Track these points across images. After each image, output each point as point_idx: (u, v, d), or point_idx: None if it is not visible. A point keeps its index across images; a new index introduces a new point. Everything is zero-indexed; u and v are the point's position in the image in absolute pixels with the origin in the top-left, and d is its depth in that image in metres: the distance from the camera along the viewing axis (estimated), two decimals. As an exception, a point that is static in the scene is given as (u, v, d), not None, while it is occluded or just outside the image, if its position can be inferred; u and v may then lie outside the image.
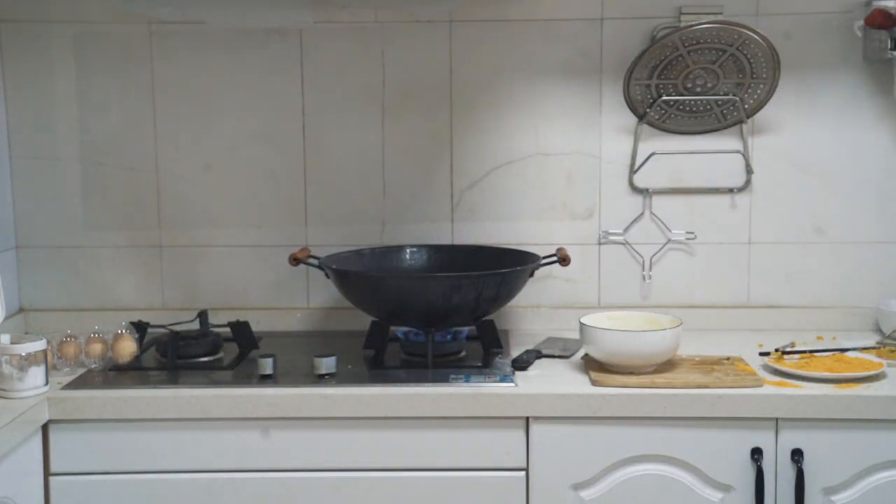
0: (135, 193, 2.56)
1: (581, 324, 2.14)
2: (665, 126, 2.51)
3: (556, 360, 2.26)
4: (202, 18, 2.50)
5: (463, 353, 2.30)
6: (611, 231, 2.55)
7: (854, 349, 2.22)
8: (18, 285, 2.57)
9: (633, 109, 2.50)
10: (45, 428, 2.03)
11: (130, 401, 2.04)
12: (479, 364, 2.21)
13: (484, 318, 2.29)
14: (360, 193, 2.57)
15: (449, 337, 2.28)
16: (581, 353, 2.25)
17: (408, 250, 2.50)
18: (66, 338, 2.24)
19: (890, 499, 2.02)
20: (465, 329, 2.31)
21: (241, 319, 2.34)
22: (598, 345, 2.10)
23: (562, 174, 2.55)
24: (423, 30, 2.51)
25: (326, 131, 2.55)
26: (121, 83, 2.53)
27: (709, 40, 2.40)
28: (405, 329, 2.29)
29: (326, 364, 2.11)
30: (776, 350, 2.21)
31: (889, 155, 2.51)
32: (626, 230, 2.55)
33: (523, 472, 2.04)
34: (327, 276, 2.30)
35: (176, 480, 2.05)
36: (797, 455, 2.00)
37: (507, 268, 2.23)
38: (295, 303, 2.58)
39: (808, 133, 2.51)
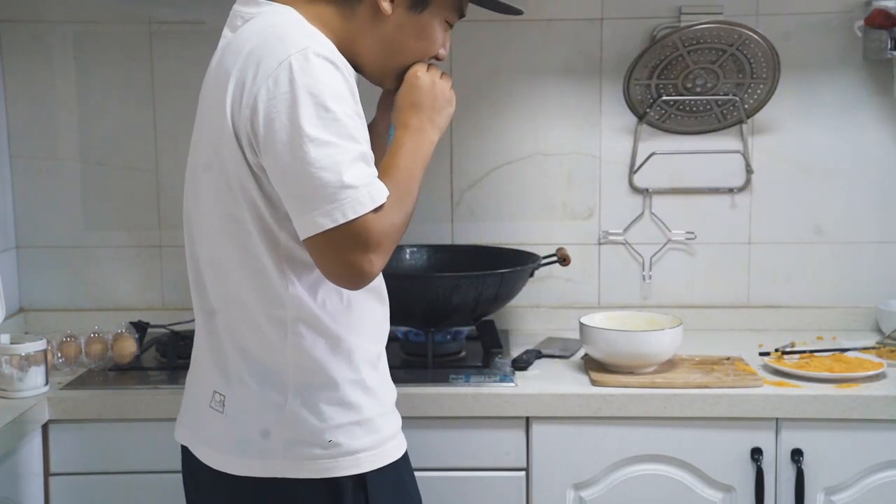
0: (135, 193, 2.56)
1: (581, 324, 2.14)
2: (665, 126, 2.51)
3: (556, 360, 2.26)
4: (202, 18, 2.50)
5: (463, 353, 2.30)
6: (611, 231, 2.55)
7: (854, 349, 2.22)
8: (18, 285, 2.57)
9: (633, 109, 2.50)
10: (45, 428, 2.03)
11: (130, 401, 2.04)
12: (479, 364, 2.20)
13: (484, 318, 2.29)
14: (360, 193, 2.56)
15: (449, 337, 2.28)
16: (581, 353, 2.25)
17: (408, 250, 2.50)
18: (66, 338, 2.24)
19: (890, 499, 2.02)
20: (465, 329, 2.31)
21: (241, 319, 2.33)
22: (598, 345, 2.10)
23: (562, 174, 2.55)
24: (423, 30, 2.51)
25: (326, 131, 2.54)
26: (121, 83, 2.53)
27: (709, 40, 2.40)
28: (405, 329, 2.29)
29: (326, 364, 2.11)
30: (776, 350, 2.21)
31: (889, 155, 2.51)
32: (626, 230, 2.55)
33: (523, 472, 2.04)
34: (327, 276, 2.30)
35: (176, 480, 2.04)
36: (797, 455, 2.00)
37: (507, 268, 2.23)
38: (295, 303, 2.58)
39: (808, 133, 2.51)
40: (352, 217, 1.37)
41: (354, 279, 1.42)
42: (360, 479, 1.52)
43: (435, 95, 1.59)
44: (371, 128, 1.60)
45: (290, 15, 1.50)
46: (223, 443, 1.54)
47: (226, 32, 1.56)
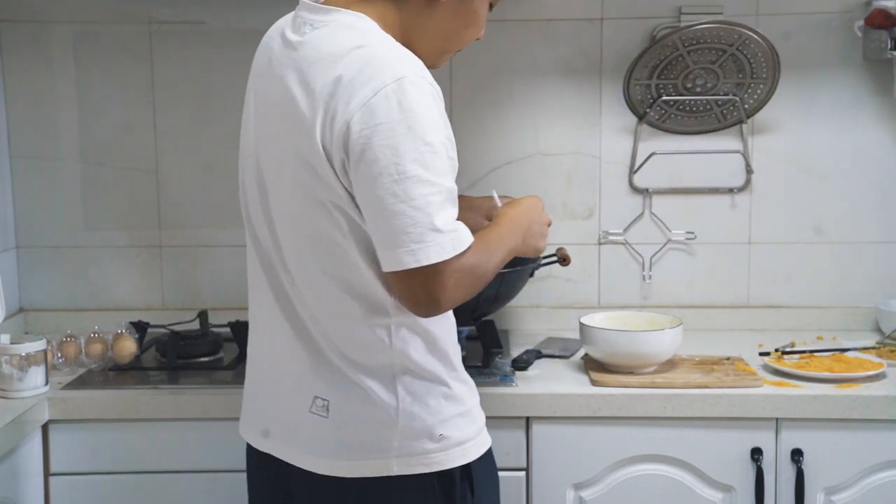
0: (135, 193, 2.56)
1: (581, 324, 2.14)
2: (665, 126, 2.51)
3: (556, 360, 2.26)
4: (202, 18, 2.50)
5: (463, 353, 2.29)
6: (611, 231, 2.55)
7: (854, 349, 2.22)
8: (18, 285, 2.57)
9: (633, 109, 2.50)
10: (45, 428, 2.03)
11: (130, 401, 2.04)
12: (479, 364, 2.20)
13: (484, 318, 2.29)
14: (360, 193, 2.56)
15: (449, 337, 2.28)
16: (581, 353, 2.25)
17: (408, 250, 2.49)
18: (66, 338, 2.24)
19: (890, 499, 2.02)
20: (465, 329, 2.31)
21: (241, 319, 2.33)
22: (598, 345, 2.10)
23: (562, 174, 2.55)
24: (423, 30, 2.51)
25: (326, 131, 2.54)
26: (120, 83, 2.53)
27: (709, 40, 2.39)
28: (405, 329, 2.29)
29: (326, 364, 2.11)
30: (776, 350, 2.22)
31: (889, 155, 2.51)
32: (626, 230, 2.55)
33: (523, 472, 2.04)
34: (327, 276, 2.30)
35: (176, 480, 2.05)
36: (797, 455, 2.00)
37: (507, 268, 2.22)
38: (295, 303, 2.58)
39: (808, 133, 2.51)
40: (435, 261, 1.42)
41: (425, 312, 1.49)
42: (467, 469, 1.56)
43: (544, 234, 1.72)
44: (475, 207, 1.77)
45: (367, 24, 1.49)
46: (329, 447, 1.53)
47: (289, 35, 1.54)
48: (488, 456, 1.61)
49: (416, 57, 1.48)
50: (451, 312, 1.60)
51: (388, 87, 1.40)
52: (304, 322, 1.55)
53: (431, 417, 1.53)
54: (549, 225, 1.75)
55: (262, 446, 1.63)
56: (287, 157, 1.49)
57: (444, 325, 1.57)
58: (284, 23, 1.59)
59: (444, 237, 1.42)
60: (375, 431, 1.52)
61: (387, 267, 1.44)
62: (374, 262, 1.48)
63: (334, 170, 1.44)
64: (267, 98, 1.55)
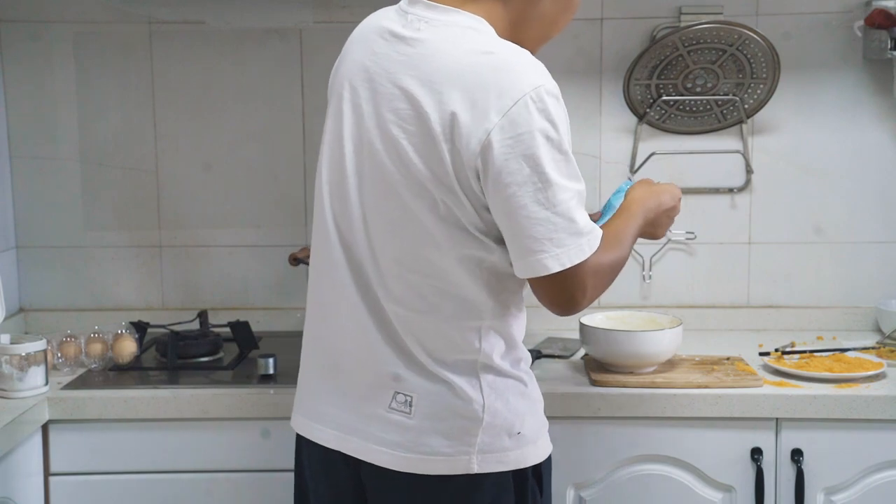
0: (135, 193, 2.56)
1: (581, 324, 2.14)
2: (665, 126, 2.51)
3: (556, 360, 2.26)
4: (202, 18, 2.50)
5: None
6: (611, 231, 2.55)
7: (854, 349, 2.22)
8: (18, 285, 2.57)
9: (633, 109, 2.50)
10: (45, 428, 2.03)
11: (130, 401, 2.04)
12: (479, 364, 2.20)
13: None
14: (360, 193, 2.56)
15: (449, 337, 2.28)
16: (581, 353, 2.25)
17: (408, 250, 2.49)
18: (66, 338, 2.24)
19: (890, 499, 2.02)
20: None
21: (241, 319, 2.34)
22: (598, 345, 2.10)
23: (562, 174, 2.54)
24: (423, 30, 2.51)
25: (326, 131, 2.54)
26: (121, 83, 2.53)
27: (709, 40, 2.40)
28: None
29: (326, 364, 2.11)
30: (776, 350, 2.22)
31: (889, 155, 2.51)
32: (626, 230, 2.55)
33: (523, 472, 2.04)
34: (327, 276, 2.30)
35: (175, 480, 2.05)
36: (797, 455, 2.00)
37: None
38: (295, 303, 2.58)
39: (808, 133, 2.51)
40: (576, 262, 1.46)
41: (566, 312, 1.53)
42: (537, 469, 1.58)
43: (671, 218, 1.75)
44: None
45: (486, 27, 1.50)
46: (409, 444, 1.53)
47: (398, 30, 1.51)
48: (550, 455, 1.63)
49: (537, 60, 1.48)
50: (524, 314, 1.61)
51: (528, 97, 1.41)
52: (389, 321, 1.53)
53: (510, 414, 1.54)
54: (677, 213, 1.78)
55: (330, 443, 1.60)
56: (398, 158, 1.47)
57: (521, 326, 1.60)
58: (381, 20, 1.55)
59: (582, 239, 1.46)
60: (461, 427, 1.52)
61: (527, 273, 1.46)
62: (476, 266, 1.50)
63: (461, 177, 1.44)
64: (372, 96, 1.51)
